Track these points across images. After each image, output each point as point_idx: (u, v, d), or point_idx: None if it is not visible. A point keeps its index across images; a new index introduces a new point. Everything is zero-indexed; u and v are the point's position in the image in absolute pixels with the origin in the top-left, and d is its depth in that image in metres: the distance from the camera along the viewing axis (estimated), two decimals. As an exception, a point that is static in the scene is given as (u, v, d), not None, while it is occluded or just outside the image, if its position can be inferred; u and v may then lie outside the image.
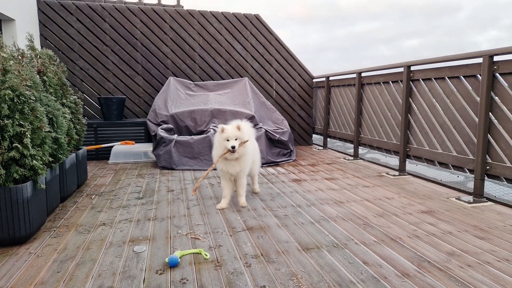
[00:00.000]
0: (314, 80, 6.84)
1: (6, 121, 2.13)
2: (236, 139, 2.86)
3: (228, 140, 2.86)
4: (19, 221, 2.18)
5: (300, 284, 1.77)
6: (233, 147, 2.83)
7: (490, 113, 3.19)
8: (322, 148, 6.46)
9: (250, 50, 6.46)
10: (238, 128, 2.89)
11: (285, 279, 1.82)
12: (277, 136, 5.09)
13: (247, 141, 2.93)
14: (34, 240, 2.30)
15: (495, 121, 3.16)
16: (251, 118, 5.07)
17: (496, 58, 3.12)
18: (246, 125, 3.09)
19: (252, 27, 6.44)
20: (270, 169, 4.59)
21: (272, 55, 6.57)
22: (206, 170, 4.49)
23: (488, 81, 3.15)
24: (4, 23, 4.70)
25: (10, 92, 2.17)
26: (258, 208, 2.98)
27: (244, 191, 3.07)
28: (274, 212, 2.87)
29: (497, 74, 3.13)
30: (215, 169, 3.02)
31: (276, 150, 5.14)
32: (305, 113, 6.83)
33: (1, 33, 3.68)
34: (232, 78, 6.34)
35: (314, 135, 7.05)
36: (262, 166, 4.69)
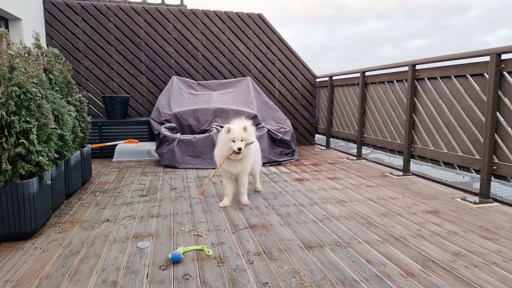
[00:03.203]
0: (317, 80, 6.83)
1: (12, 118, 2.15)
2: (242, 140, 2.83)
3: (234, 141, 2.82)
4: (25, 216, 2.20)
5: (302, 282, 1.77)
6: (240, 149, 2.78)
7: (497, 113, 3.15)
8: (325, 148, 6.44)
9: (253, 49, 6.47)
10: (245, 129, 2.84)
11: (287, 276, 1.82)
12: (280, 135, 5.09)
13: (252, 142, 2.90)
14: (40, 235, 2.32)
15: (503, 121, 3.12)
16: (254, 118, 5.07)
17: (504, 56, 3.07)
18: (248, 124, 3.09)
19: (255, 27, 6.44)
20: (273, 168, 4.59)
21: (275, 55, 6.57)
22: (208, 168, 4.52)
23: (496, 80, 3.11)
24: (11, 22, 4.74)
25: (17, 89, 2.19)
26: (260, 206, 2.98)
27: (246, 190, 3.07)
28: (276, 211, 2.86)
29: (505, 73, 3.08)
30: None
31: (278, 149, 5.13)
32: (308, 113, 6.82)
33: (8, 32, 3.69)
34: (235, 78, 6.35)
35: (316, 135, 7.03)
36: (264, 166, 4.70)
